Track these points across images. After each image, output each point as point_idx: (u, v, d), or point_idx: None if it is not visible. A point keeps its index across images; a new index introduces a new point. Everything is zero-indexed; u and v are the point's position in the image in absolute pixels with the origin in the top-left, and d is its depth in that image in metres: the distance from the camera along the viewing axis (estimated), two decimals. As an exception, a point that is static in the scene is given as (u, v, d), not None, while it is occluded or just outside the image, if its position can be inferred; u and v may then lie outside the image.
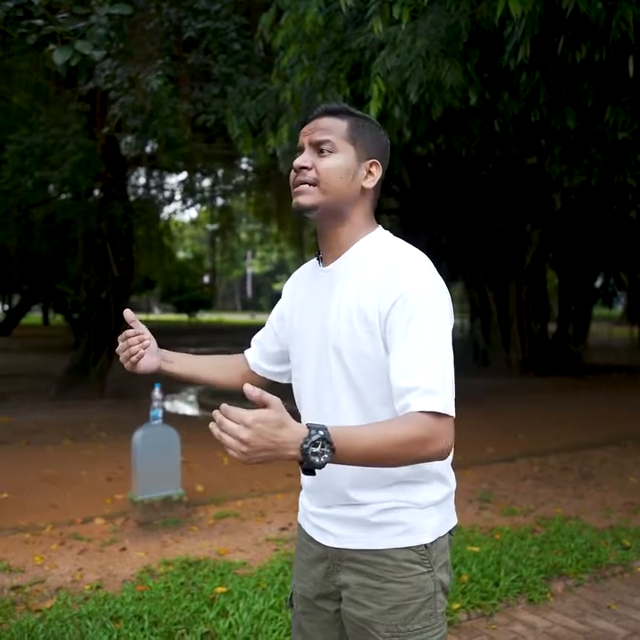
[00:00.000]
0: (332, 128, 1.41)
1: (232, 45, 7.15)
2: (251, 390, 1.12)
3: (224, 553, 3.95)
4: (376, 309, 1.33)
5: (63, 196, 11.43)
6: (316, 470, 1.14)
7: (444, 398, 1.25)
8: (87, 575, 3.62)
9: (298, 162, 1.41)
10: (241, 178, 17.64)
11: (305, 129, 1.45)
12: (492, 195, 13.05)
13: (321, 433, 1.12)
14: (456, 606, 3.23)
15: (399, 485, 1.41)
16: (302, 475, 1.51)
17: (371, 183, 1.44)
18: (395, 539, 1.41)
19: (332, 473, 1.38)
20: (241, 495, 5.12)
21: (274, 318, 1.68)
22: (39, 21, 3.79)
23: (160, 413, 4.52)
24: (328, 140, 1.40)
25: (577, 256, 14.35)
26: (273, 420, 1.09)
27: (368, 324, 1.34)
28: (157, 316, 46.08)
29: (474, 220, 13.77)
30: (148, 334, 1.57)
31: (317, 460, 1.12)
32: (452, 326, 1.38)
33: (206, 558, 3.83)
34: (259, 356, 1.71)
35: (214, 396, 10.39)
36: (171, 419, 4.77)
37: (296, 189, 1.41)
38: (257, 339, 1.73)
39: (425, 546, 1.42)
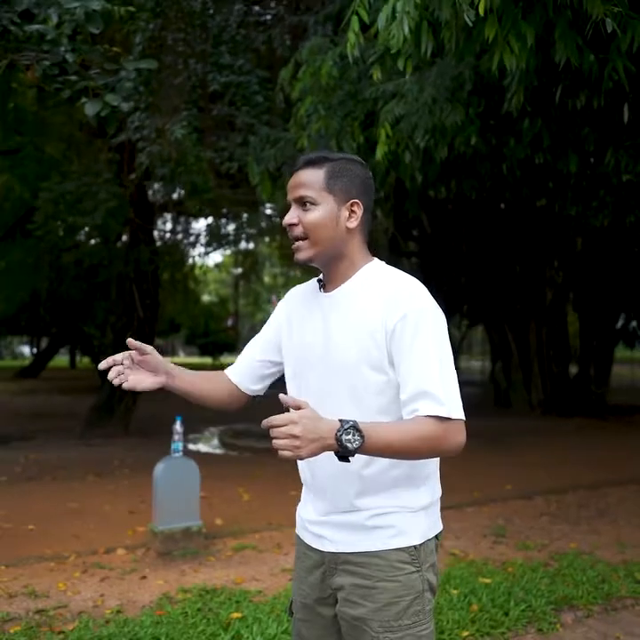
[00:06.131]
0: (310, 182, 1.56)
1: (254, 97, 7.53)
2: (285, 398, 1.36)
3: (240, 582, 4.05)
4: (382, 327, 1.50)
5: (92, 241, 11.84)
6: (350, 457, 1.34)
7: (446, 403, 1.43)
8: (108, 601, 3.75)
9: (286, 220, 1.59)
10: (265, 223, 18.03)
11: (290, 184, 1.61)
12: (512, 236, 13.20)
13: (351, 423, 1.33)
14: (465, 634, 3.29)
15: (393, 490, 1.56)
16: (309, 484, 1.68)
17: (354, 222, 1.58)
18: (387, 541, 1.55)
19: (341, 481, 1.56)
20: (259, 528, 5.22)
21: (270, 330, 1.80)
22: (73, 77, 4.11)
23: (181, 446, 4.67)
24: (307, 195, 1.55)
25: (598, 297, 14.36)
26: (312, 416, 1.32)
27: (375, 340, 1.51)
28: (182, 358, 46.42)
29: (493, 262, 13.91)
30: (150, 358, 1.63)
31: (350, 446, 1.31)
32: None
33: (223, 587, 3.93)
34: (245, 374, 1.81)
35: (235, 435, 10.56)
36: (192, 457, 4.92)
37: (292, 246, 1.60)
38: (245, 356, 1.83)
39: (414, 547, 1.56)
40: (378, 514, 1.56)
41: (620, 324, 16.72)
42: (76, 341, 25.74)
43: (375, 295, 1.54)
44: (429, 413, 1.42)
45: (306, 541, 1.70)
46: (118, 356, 1.62)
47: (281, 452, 1.29)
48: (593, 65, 3.34)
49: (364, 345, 1.52)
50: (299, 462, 1.67)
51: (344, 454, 1.33)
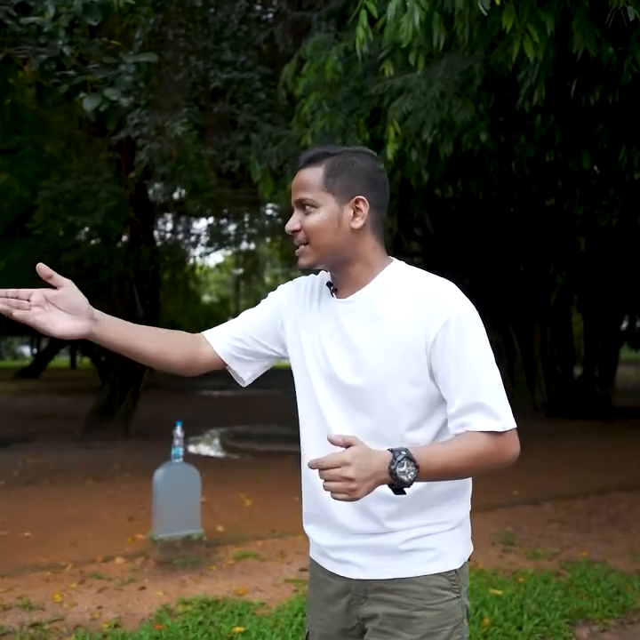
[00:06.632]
0: (309, 182, 1.42)
1: (257, 95, 7.40)
2: (335, 438, 1.21)
3: (243, 593, 3.92)
4: (422, 336, 1.36)
5: (92, 241, 11.73)
6: (406, 489, 1.23)
7: (501, 416, 1.34)
8: (106, 613, 3.62)
9: (288, 227, 1.44)
10: (266, 222, 17.90)
11: (292, 185, 1.48)
12: (516, 237, 13.09)
13: (404, 453, 1.22)
14: (477, 650, 3.16)
15: (434, 508, 1.42)
16: (325, 504, 1.44)
17: (359, 222, 1.42)
18: (426, 565, 1.41)
19: (369, 499, 1.35)
20: (261, 536, 5.09)
21: (270, 314, 1.59)
22: (71, 72, 3.98)
23: (181, 451, 4.54)
24: (307, 198, 1.41)
25: (602, 298, 14.25)
26: (363, 453, 1.19)
27: (414, 351, 1.36)
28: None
29: (497, 263, 13.80)
30: (66, 291, 1.35)
31: (406, 479, 1.21)
32: None
33: (225, 598, 3.80)
34: (231, 345, 1.57)
35: (236, 437, 10.43)
36: (193, 460, 4.80)
37: (296, 251, 1.45)
38: (235, 328, 1.59)
39: (455, 571, 1.43)
40: (415, 536, 1.41)
41: (624, 324, 16.62)
42: (77, 342, 25.61)
43: (405, 301, 1.39)
44: (483, 428, 1.32)
45: (327, 568, 1.52)
46: (22, 292, 1.31)
47: (335, 495, 1.18)
48: (611, 57, 3.20)
49: (401, 358, 1.37)
50: (310, 478, 1.50)
51: (399, 487, 1.22)
